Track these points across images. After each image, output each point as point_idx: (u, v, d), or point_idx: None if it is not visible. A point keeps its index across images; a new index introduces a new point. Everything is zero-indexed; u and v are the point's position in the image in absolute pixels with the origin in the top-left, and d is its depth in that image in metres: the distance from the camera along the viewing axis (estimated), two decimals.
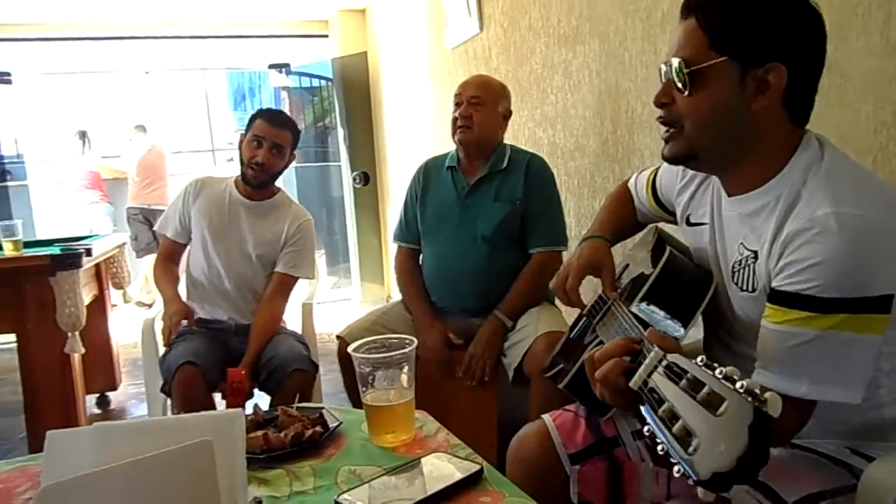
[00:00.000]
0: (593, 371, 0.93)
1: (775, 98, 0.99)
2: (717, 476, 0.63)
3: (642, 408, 0.76)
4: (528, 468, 1.30)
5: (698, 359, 0.71)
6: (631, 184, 1.51)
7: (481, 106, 2.23)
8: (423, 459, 1.11)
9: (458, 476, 1.03)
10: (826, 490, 1.00)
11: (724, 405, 0.64)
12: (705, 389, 0.67)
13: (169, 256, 2.48)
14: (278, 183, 2.53)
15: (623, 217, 1.48)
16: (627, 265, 1.40)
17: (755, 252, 1.04)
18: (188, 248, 2.47)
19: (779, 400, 0.63)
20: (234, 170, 2.53)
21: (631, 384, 0.82)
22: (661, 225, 1.46)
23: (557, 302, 2.15)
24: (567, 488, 1.25)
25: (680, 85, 1.02)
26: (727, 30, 0.98)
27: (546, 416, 1.34)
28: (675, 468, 0.67)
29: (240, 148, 2.42)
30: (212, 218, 2.40)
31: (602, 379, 0.90)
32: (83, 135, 6.13)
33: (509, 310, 2.16)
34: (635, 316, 1.10)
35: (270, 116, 2.39)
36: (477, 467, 1.05)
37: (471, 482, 1.03)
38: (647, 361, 0.81)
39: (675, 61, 1.01)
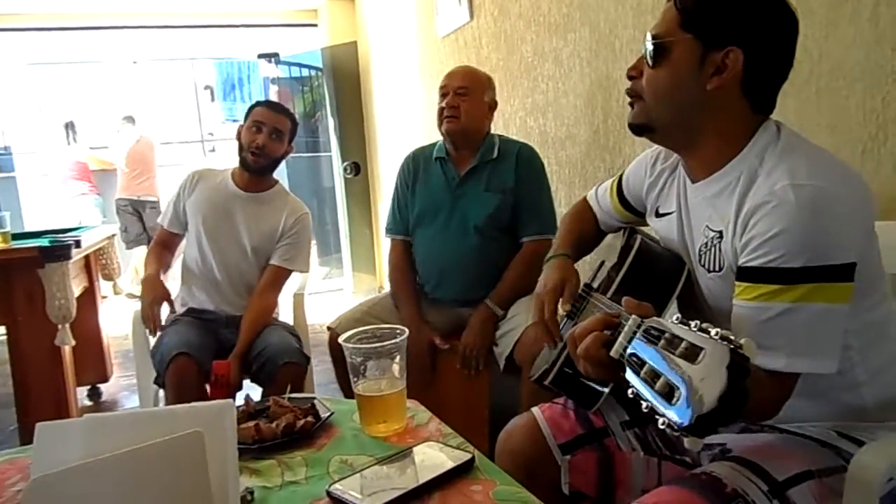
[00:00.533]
0: (575, 349, 0.94)
1: (730, 81, 1.02)
2: (701, 418, 0.64)
3: (626, 374, 0.78)
4: (517, 460, 1.30)
5: (674, 317, 0.74)
6: (591, 197, 1.54)
7: (468, 96, 2.22)
8: (414, 449, 1.11)
9: (450, 465, 1.03)
10: (814, 469, 1.01)
11: (702, 354, 0.67)
12: (683, 344, 0.69)
13: (163, 244, 2.49)
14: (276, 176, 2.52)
15: (583, 231, 1.51)
16: (603, 262, 1.41)
17: (720, 232, 1.06)
18: (185, 239, 2.47)
19: (753, 344, 0.65)
20: (222, 162, 2.51)
21: (612, 353, 0.85)
22: None
23: None
24: (557, 480, 1.26)
25: (647, 57, 1.07)
26: (696, 10, 1.03)
27: (535, 409, 1.35)
28: (660, 421, 0.69)
29: (238, 138, 2.41)
30: (206, 210, 2.40)
31: (584, 354, 0.91)
32: (69, 126, 6.08)
33: (500, 299, 2.16)
34: (611, 301, 1.11)
35: (270, 104, 2.43)
36: (468, 456, 1.06)
37: (462, 471, 1.03)
38: (625, 329, 0.83)
39: (648, 35, 1.06)
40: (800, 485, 0.99)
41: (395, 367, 1.21)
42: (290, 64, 6.57)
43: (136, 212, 5.85)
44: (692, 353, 0.68)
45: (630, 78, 1.12)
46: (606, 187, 1.48)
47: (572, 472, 1.25)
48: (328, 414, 1.28)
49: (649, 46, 1.06)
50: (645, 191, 1.32)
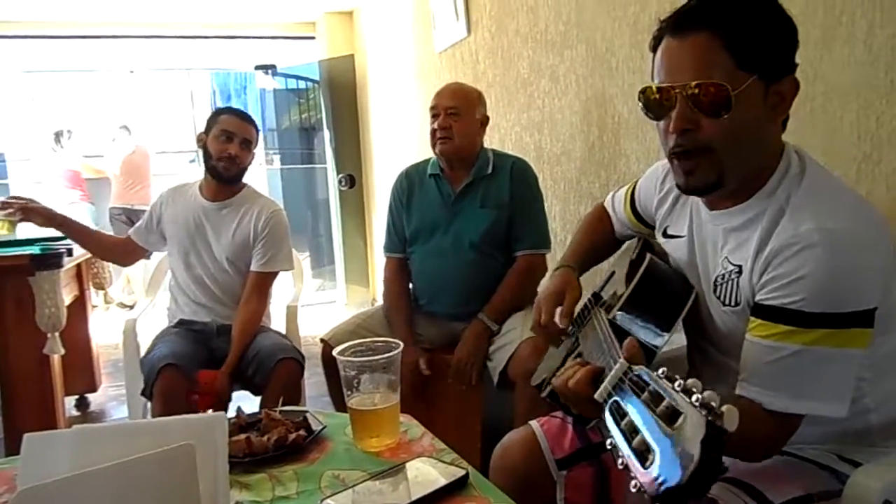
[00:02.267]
0: (564, 382, 0.94)
1: (788, 110, 1.00)
2: (669, 492, 0.62)
3: (607, 422, 0.76)
4: (513, 475, 1.29)
5: (659, 371, 0.71)
6: (607, 203, 1.52)
7: (459, 116, 2.22)
8: (407, 464, 1.10)
9: (443, 481, 1.02)
10: (812, 493, 1.00)
11: (680, 419, 0.64)
12: (664, 403, 0.67)
13: (120, 243, 2.58)
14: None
15: (596, 241, 1.50)
16: (613, 272, 1.41)
17: (739, 266, 1.04)
18: (168, 255, 2.48)
19: (735, 413, 0.62)
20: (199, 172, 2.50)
21: (596, 396, 0.83)
22: None
23: None
24: (552, 495, 1.25)
25: (714, 109, 0.95)
26: (751, 47, 0.94)
27: (533, 423, 1.34)
28: (632, 483, 0.67)
29: (203, 147, 2.37)
30: (180, 228, 2.40)
31: (572, 388, 0.91)
32: (59, 134, 6.06)
33: (494, 313, 2.16)
34: (612, 323, 1.10)
35: (236, 112, 2.38)
36: (462, 472, 1.04)
37: (456, 487, 1.02)
38: (612, 373, 0.81)
39: (711, 84, 0.94)
40: None
41: (389, 381, 1.20)
42: (286, 76, 6.59)
43: (129, 220, 5.82)
44: (671, 416, 0.65)
45: (682, 132, 0.98)
46: (621, 196, 1.46)
47: (568, 488, 1.24)
48: (320, 428, 1.26)
49: (720, 96, 0.94)
50: (654, 206, 1.30)
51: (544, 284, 1.38)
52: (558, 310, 1.28)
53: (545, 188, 2.34)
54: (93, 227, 5.75)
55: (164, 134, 8.89)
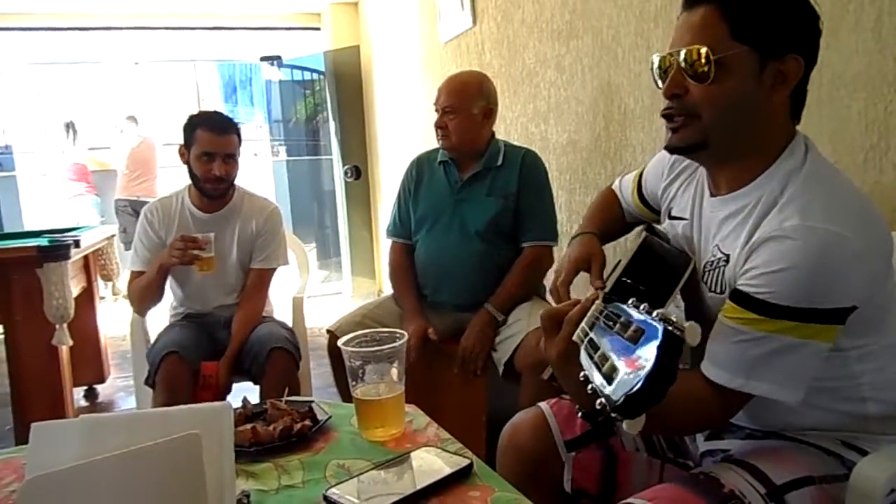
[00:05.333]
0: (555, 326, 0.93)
1: (789, 91, 1.00)
2: (629, 398, 0.65)
3: (581, 357, 0.78)
4: (521, 455, 1.30)
5: (629, 300, 0.74)
6: (616, 186, 1.52)
7: (455, 114, 2.21)
8: (412, 454, 1.10)
9: (448, 470, 1.03)
10: (815, 475, 1.01)
11: (643, 336, 0.67)
12: (632, 327, 0.70)
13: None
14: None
15: (610, 217, 1.49)
16: (620, 260, 1.40)
17: (727, 256, 1.06)
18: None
19: (697, 330, 0.66)
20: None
21: (574, 338, 0.85)
22: None
23: (549, 297, 2.15)
24: (560, 476, 1.25)
25: (698, 74, 0.99)
26: (748, 19, 0.97)
27: (543, 404, 1.34)
28: (597, 402, 0.70)
29: (186, 161, 2.30)
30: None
31: (563, 335, 0.90)
32: (70, 126, 6.08)
33: (500, 303, 2.16)
34: (607, 298, 1.10)
35: (212, 125, 2.26)
36: (466, 462, 1.05)
37: (460, 476, 1.02)
38: (588, 314, 0.84)
39: (696, 49, 0.98)
40: (799, 489, 0.99)
41: (394, 372, 1.21)
42: (292, 67, 6.60)
43: (135, 212, 5.83)
44: (636, 335, 0.68)
45: (672, 96, 1.04)
46: (629, 182, 1.46)
47: (576, 470, 1.25)
48: (326, 417, 1.27)
49: (698, 62, 0.98)
50: (661, 191, 1.31)
51: (566, 252, 1.36)
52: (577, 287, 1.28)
53: (551, 179, 2.33)
54: (98, 219, 5.82)
55: (169, 126, 8.90)
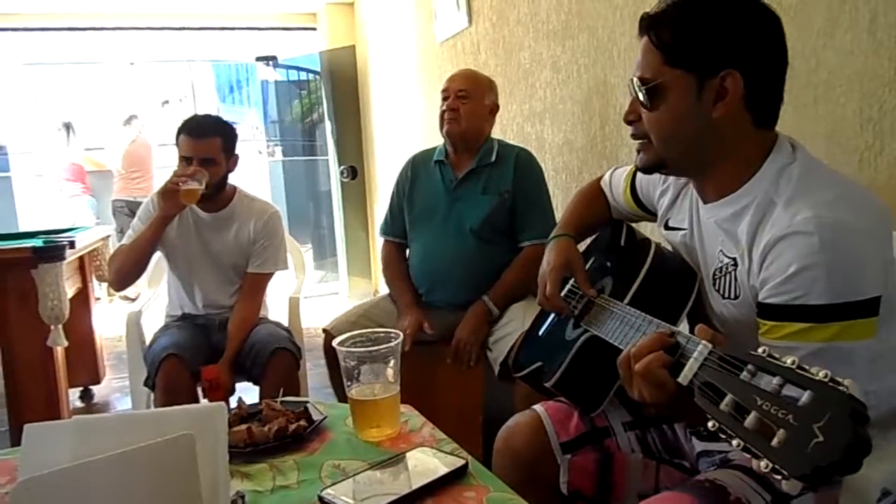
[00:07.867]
0: (628, 368, 0.91)
1: (735, 104, 0.99)
2: (820, 469, 0.60)
3: (700, 403, 0.74)
4: (517, 458, 1.30)
5: (760, 349, 0.70)
6: (605, 182, 1.50)
7: (468, 99, 2.24)
8: (407, 454, 1.10)
9: (443, 471, 1.02)
10: None
11: (807, 394, 0.62)
12: (776, 380, 0.65)
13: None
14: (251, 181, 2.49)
15: (591, 214, 1.49)
16: (593, 257, 1.41)
17: (734, 259, 1.04)
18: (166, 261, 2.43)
19: (857, 386, 0.61)
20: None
21: (680, 379, 0.81)
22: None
23: None
24: (555, 478, 1.25)
25: (642, 102, 1.05)
26: (679, 45, 1.01)
27: (538, 406, 1.35)
28: (762, 463, 0.64)
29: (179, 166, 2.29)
30: (178, 247, 2.35)
31: (644, 372, 0.87)
32: (68, 126, 6.06)
33: (497, 297, 2.16)
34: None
35: (192, 129, 2.26)
36: (462, 462, 1.05)
37: (455, 477, 1.02)
38: (695, 355, 0.80)
39: (637, 79, 1.05)
40: (802, 496, 0.98)
41: (390, 372, 1.20)
42: (288, 67, 6.58)
43: (132, 213, 5.80)
44: (791, 392, 0.62)
45: (629, 122, 1.11)
46: (620, 180, 1.44)
47: (572, 472, 1.25)
48: (321, 418, 1.27)
49: (640, 91, 1.04)
50: (657, 196, 1.30)
51: (545, 259, 1.37)
52: (566, 287, 1.29)
53: (547, 178, 2.33)
54: (93, 219, 5.80)
55: (165, 126, 8.88)
